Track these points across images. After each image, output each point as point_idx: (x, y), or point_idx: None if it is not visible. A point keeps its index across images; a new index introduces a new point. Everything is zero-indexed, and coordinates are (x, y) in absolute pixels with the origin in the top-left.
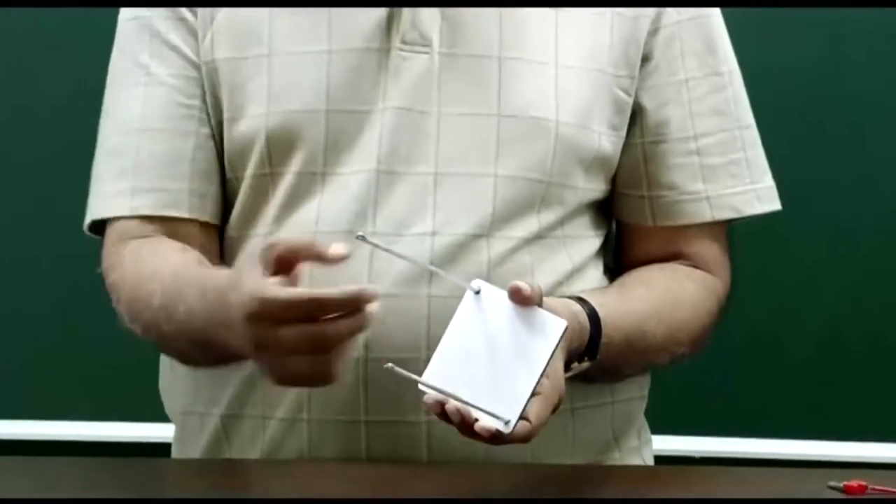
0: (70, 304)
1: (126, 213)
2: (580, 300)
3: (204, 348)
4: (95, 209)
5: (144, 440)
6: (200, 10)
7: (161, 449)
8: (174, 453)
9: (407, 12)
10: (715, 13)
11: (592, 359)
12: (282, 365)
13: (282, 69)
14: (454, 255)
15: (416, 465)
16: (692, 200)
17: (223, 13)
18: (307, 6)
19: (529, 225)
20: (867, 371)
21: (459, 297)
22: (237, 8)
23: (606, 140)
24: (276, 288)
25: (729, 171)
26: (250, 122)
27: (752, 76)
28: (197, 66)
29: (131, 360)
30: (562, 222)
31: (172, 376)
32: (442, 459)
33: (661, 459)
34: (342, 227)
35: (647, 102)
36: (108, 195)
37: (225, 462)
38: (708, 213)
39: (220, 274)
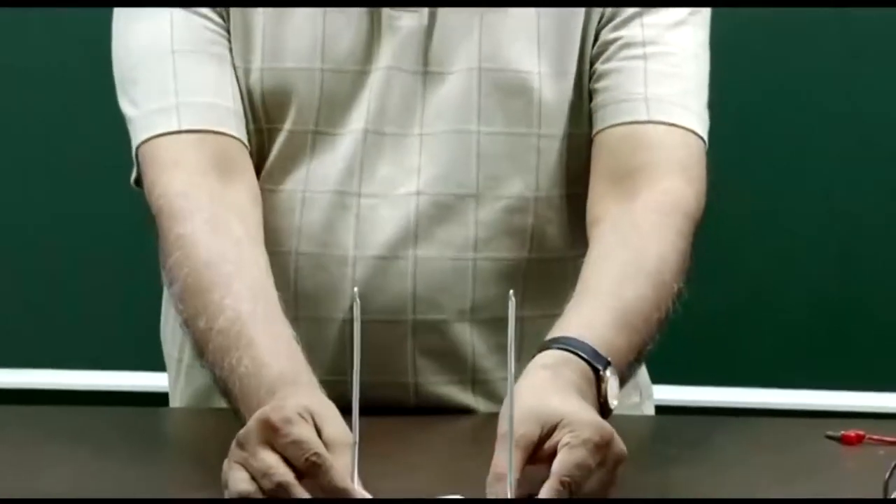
0: (70, 253)
1: (174, 128)
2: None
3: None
4: (140, 132)
5: (144, 389)
6: None
7: (162, 398)
8: (170, 396)
9: None
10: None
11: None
12: (235, 475)
13: (278, 26)
14: (440, 215)
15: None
16: (633, 100)
17: None
18: (307, 6)
19: (517, 185)
20: (865, 321)
21: (445, 259)
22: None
23: (587, 84)
24: (297, 428)
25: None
26: (246, 76)
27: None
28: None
29: (131, 309)
30: (552, 181)
31: (172, 324)
32: (430, 409)
33: (658, 409)
34: (330, 188)
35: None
36: (150, 114)
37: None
38: (644, 113)
39: (278, 364)
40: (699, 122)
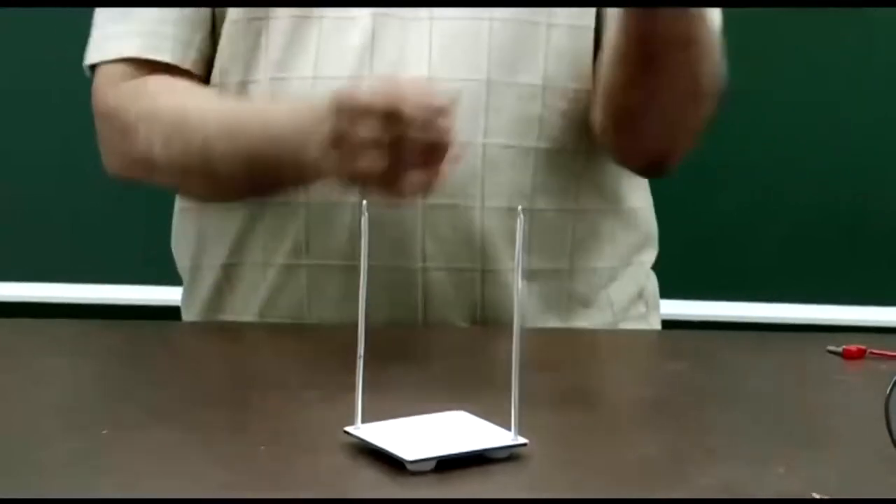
0: (76, 168)
1: (113, 56)
2: None
3: (262, 169)
4: (90, 56)
5: (153, 303)
6: None
7: (171, 312)
8: (182, 308)
9: None
10: None
11: None
12: (353, 160)
13: None
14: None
15: (410, 328)
16: None
17: None
18: (307, 6)
19: (526, 73)
20: (866, 235)
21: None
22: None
23: None
24: (369, 92)
25: None
26: (237, 25)
27: None
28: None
29: (135, 223)
30: (560, 72)
31: (182, 230)
32: (437, 304)
33: (662, 324)
34: (341, 73)
35: None
36: (99, 39)
37: (222, 324)
38: None
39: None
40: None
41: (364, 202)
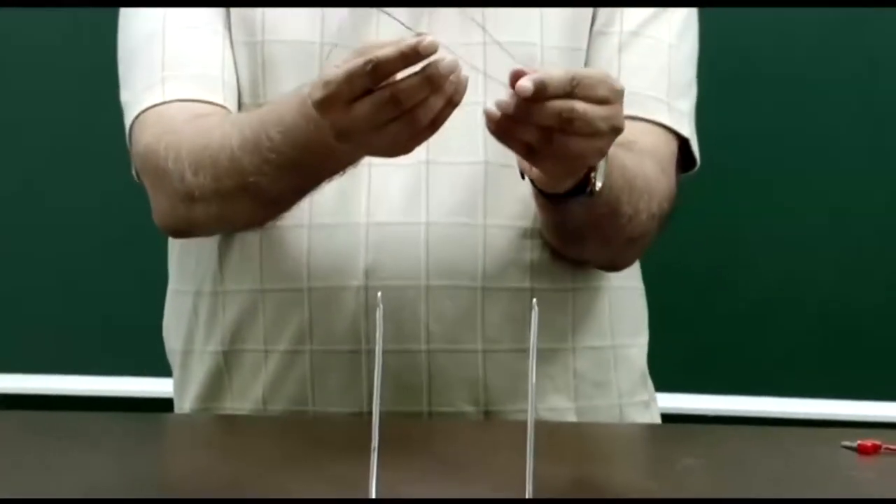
0: (67, 259)
1: (159, 100)
2: None
3: (293, 171)
4: (131, 112)
5: (146, 395)
6: None
7: (155, 404)
8: (176, 396)
9: None
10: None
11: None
12: (369, 143)
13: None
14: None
15: (416, 420)
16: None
17: None
18: (307, 6)
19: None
20: (881, 330)
21: (457, 225)
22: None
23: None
24: (332, 69)
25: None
26: (240, 49)
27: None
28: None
29: (126, 314)
30: None
31: (176, 313)
32: (441, 386)
33: (672, 418)
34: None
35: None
36: (139, 93)
37: (220, 418)
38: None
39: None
40: (671, 114)
41: (379, 294)
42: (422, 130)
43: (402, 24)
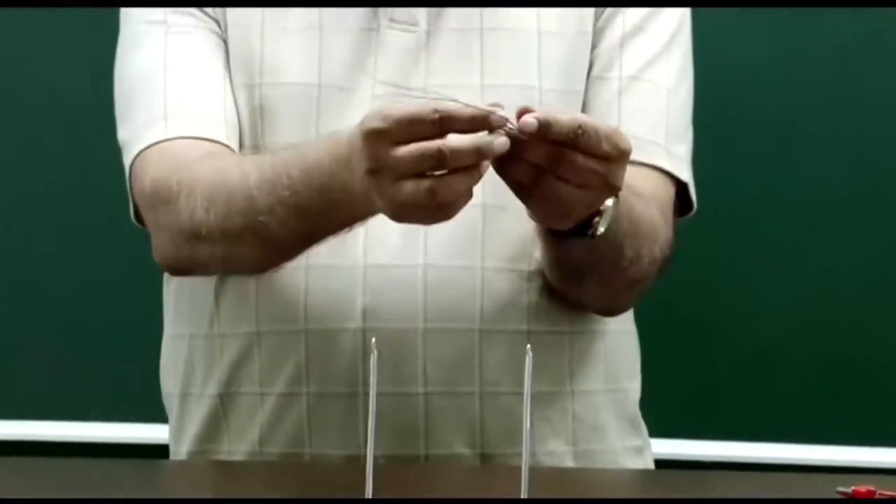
0: (60, 305)
1: (162, 137)
2: None
3: (304, 216)
4: (131, 150)
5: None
6: None
7: (151, 450)
8: (171, 441)
9: None
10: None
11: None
12: (398, 189)
13: (274, 42)
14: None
15: (413, 464)
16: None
17: None
18: (306, 6)
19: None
20: (876, 376)
21: (455, 267)
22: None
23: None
24: (399, 105)
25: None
26: (239, 91)
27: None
28: (216, 21)
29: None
30: None
31: (173, 357)
32: (438, 429)
33: (667, 464)
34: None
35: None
36: (140, 130)
37: (216, 464)
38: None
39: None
40: (670, 159)
41: (373, 339)
42: (437, 205)
43: (406, 89)
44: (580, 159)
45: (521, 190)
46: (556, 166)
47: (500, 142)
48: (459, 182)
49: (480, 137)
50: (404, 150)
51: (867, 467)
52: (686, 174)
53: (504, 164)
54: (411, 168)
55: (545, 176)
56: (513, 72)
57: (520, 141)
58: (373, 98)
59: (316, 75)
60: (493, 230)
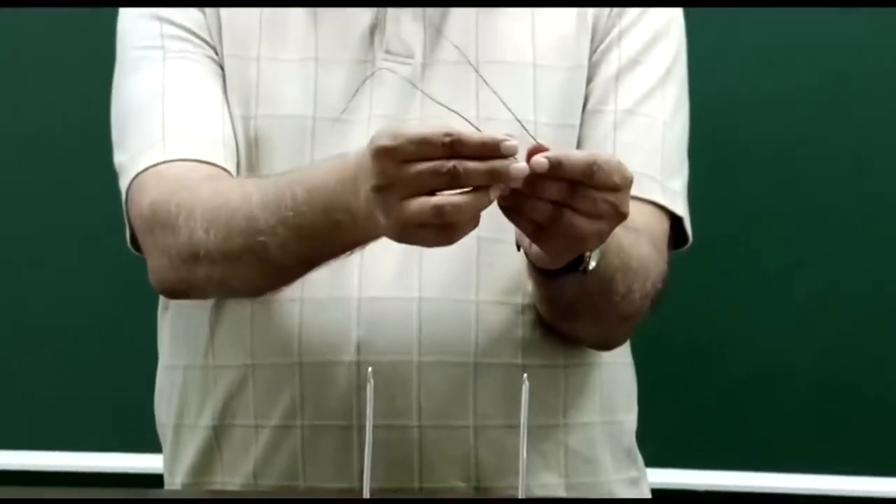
0: (52, 335)
1: (160, 160)
2: None
3: (305, 238)
4: (128, 174)
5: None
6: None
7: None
8: (166, 471)
9: (391, 24)
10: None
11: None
12: (404, 207)
13: (269, 74)
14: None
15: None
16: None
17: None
18: (306, 6)
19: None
20: (874, 403)
21: (449, 300)
22: (236, 9)
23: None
24: (411, 125)
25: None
26: (235, 122)
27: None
28: (213, 48)
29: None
30: None
31: (168, 388)
32: (433, 462)
33: (663, 493)
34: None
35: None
36: (137, 154)
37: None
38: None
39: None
40: (665, 193)
41: (370, 369)
42: (442, 225)
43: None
44: (593, 191)
45: (538, 230)
46: (572, 199)
47: (518, 167)
48: (468, 203)
49: (496, 161)
50: (417, 167)
51: (867, 496)
52: (681, 208)
53: (518, 207)
54: (423, 184)
55: (561, 210)
56: (508, 105)
57: (534, 179)
58: (368, 131)
59: (311, 107)
60: (488, 263)
